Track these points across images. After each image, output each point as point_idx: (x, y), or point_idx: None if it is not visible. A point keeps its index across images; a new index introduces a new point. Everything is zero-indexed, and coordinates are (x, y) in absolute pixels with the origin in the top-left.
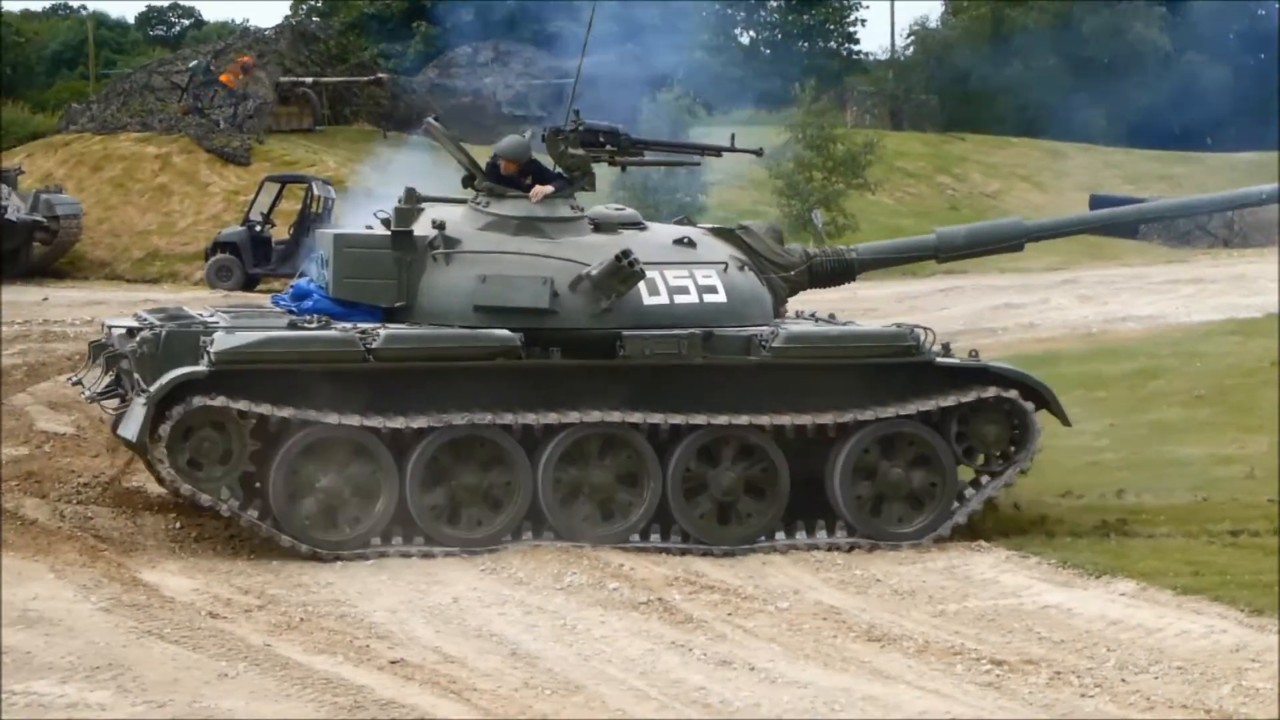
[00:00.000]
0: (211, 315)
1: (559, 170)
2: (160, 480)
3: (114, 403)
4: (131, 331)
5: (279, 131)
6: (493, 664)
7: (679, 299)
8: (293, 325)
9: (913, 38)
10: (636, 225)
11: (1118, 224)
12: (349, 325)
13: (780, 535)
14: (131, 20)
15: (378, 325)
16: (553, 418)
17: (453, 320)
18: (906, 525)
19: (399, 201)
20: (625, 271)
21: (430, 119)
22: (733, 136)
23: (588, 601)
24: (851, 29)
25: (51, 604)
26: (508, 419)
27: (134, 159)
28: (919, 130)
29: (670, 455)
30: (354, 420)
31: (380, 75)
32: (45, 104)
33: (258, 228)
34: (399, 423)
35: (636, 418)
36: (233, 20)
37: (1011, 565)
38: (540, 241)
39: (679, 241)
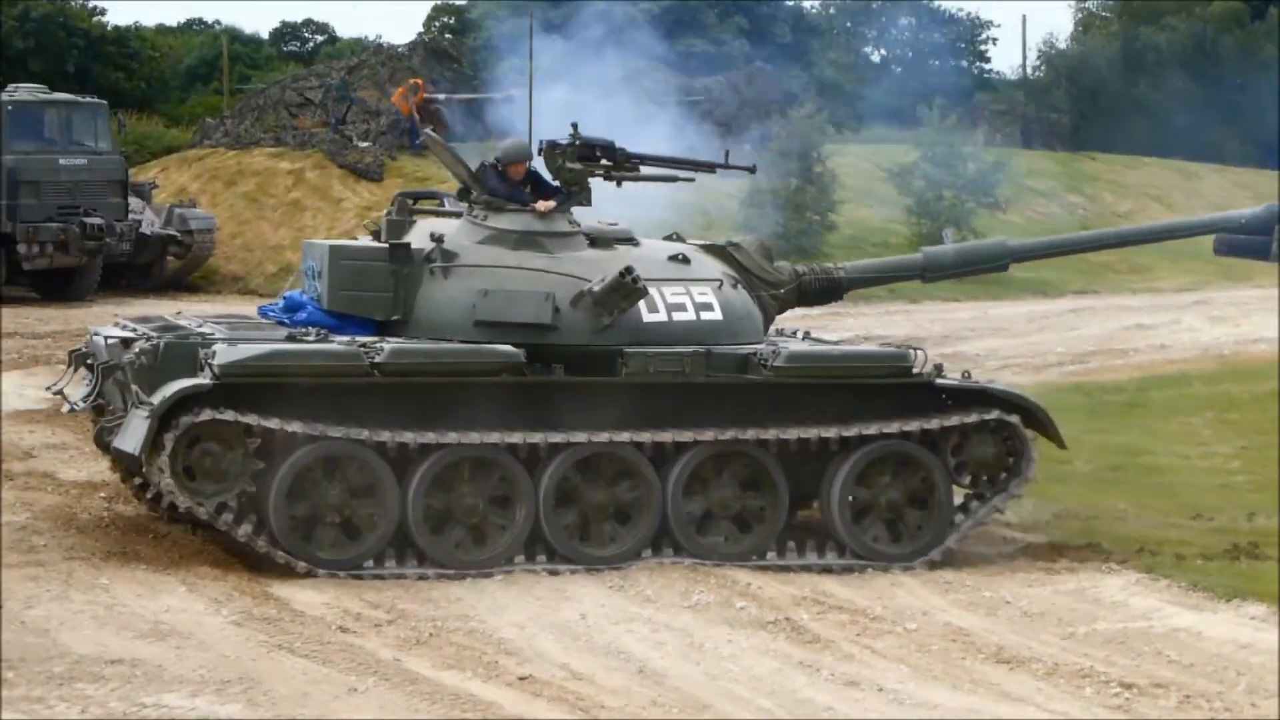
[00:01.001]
0: (202, 325)
1: (557, 184)
2: (139, 496)
3: (98, 412)
4: (126, 342)
5: (411, 148)
6: (620, 681)
7: (677, 316)
8: (291, 338)
9: (1043, 57)
10: (630, 240)
11: (1105, 245)
12: (347, 339)
13: (772, 555)
14: (265, 36)
15: (380, 339)
16: (557, 437)
17: (451, 334)
18: (900, 546)
19: (389, 212)
20: (628, 288)
21: (427, 130)
22: (727, 153)
23: (715, 620)
24: (982, 47)
25: (183, 617)
26: (514, 438)
27: (267, 174)
28: (1050, 149)
29: (668, 473)
30: (361, 435)
31: (511, 92)
32: (179, 118)
33: None
34: (404, 438)
35: (643, 436)
36: (366, 37)
37: (1141, 588)
38: (540, 256)
39: (673, 258)
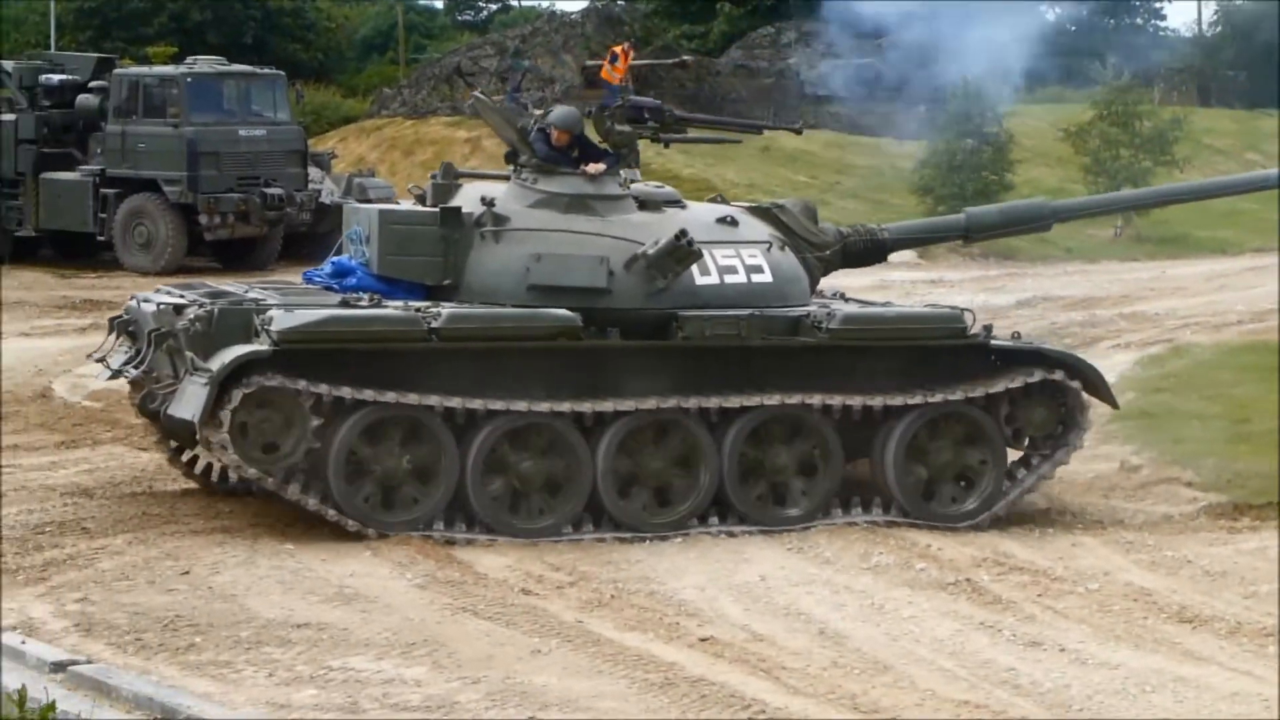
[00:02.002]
0: (249, 291)
1: (605, 147)
2: (180, 465)
3: (135, 381)
4: (177, 308)
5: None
6: (801, 642)
7: (729, 279)
8: (345, 303)
9: (1219, 13)
10: (677, 203)
11: (1144, 205)
12: (400, 304)
13: (838, 512)
14: (440, 5)
15: (435, 304)
16: (611, 404)
17: (503, 299)
18: (958, 506)
19: (436, 176)
20: (683, 251)
21: (476, 93)
22: (773, 113)
23: (895, 581)
24: (1158, 5)
25: (368, 581)
26: (569, 406)
27: (444, 143)
28: (1227, 107)
29: (725, 438)
30: (419, 399)
31: (685, 58)
32: (356, 89)
33: None
34: (461, 404)
35: (694, 402)
36: (539, 4)
37: None
38: (591, 220)
39: (722, 220)
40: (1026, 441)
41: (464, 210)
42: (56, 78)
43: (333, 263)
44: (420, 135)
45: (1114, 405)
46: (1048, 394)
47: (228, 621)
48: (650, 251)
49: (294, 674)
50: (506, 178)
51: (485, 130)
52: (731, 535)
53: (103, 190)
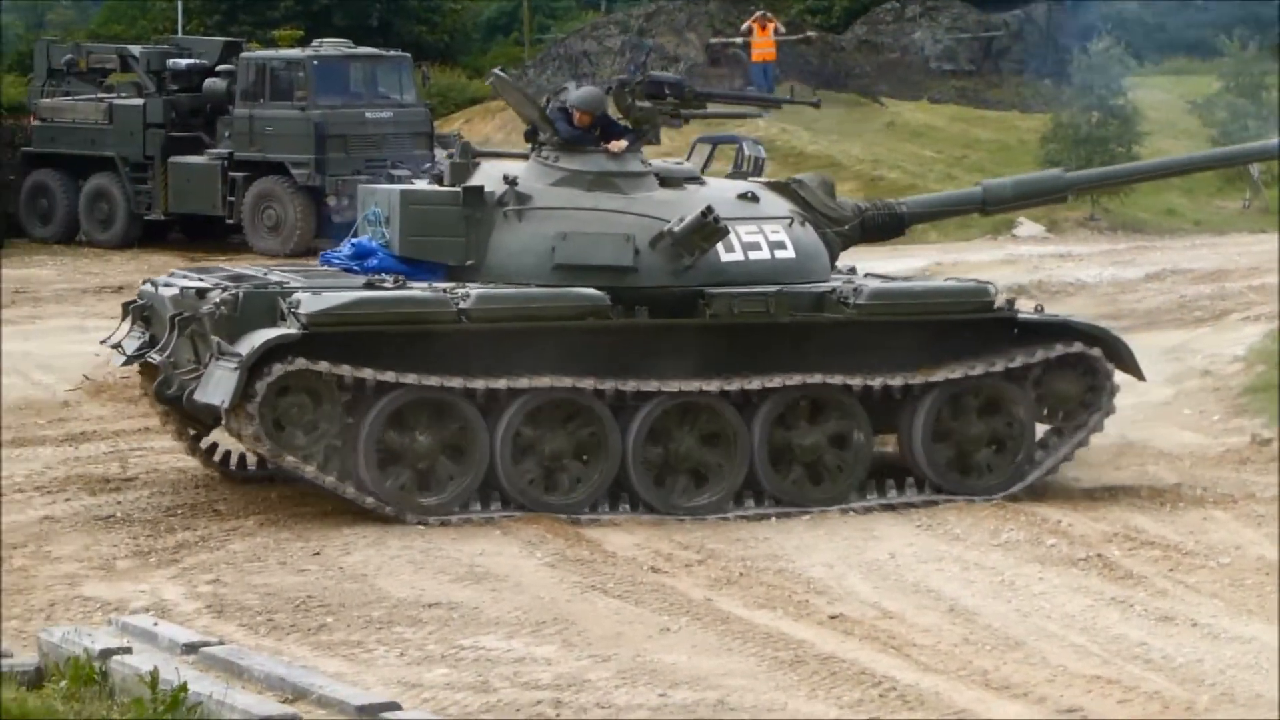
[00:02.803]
0: (267, 273)
1: (625, 124)
2: (197, 452)
3: (145, 367)
4: (200, 292)
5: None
6: (931, 620)
7: (753, 255)
8: (370, 285)
9: None
10: (697, 180)
11: (1163, 173)
12: (424, 285)
13: (872, 496)
14: None
15: (460, 285)
16: (648, 383)
17: (527, 279)
18: (987, 479)
19: (452, 155)
20: (710, 228)
21: (496, 70)
22: (791, 89)
23: (1025, 558)
24: None
25: (497, 560)
26: (604, 383)
27: None
28: None
29: (754, 417)
30: (451, 382)
31: (809, 34)
32: (481, 70)
33: None
34: (496, 384)
35: (718, 384)
36: None
37: None
38: (615, 197)
39: (743, 196)
40: (1055, 415)
41: (486, 189)
42: (184, 62)
43: (353, 244)
44: None
45: (1140, 377)
46: (1075, 367)
47: (359, 601)
48: (676, 229)
49: (425, 653)
50: (525, 156)
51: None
52: (765, 518)
53: (231, 174)
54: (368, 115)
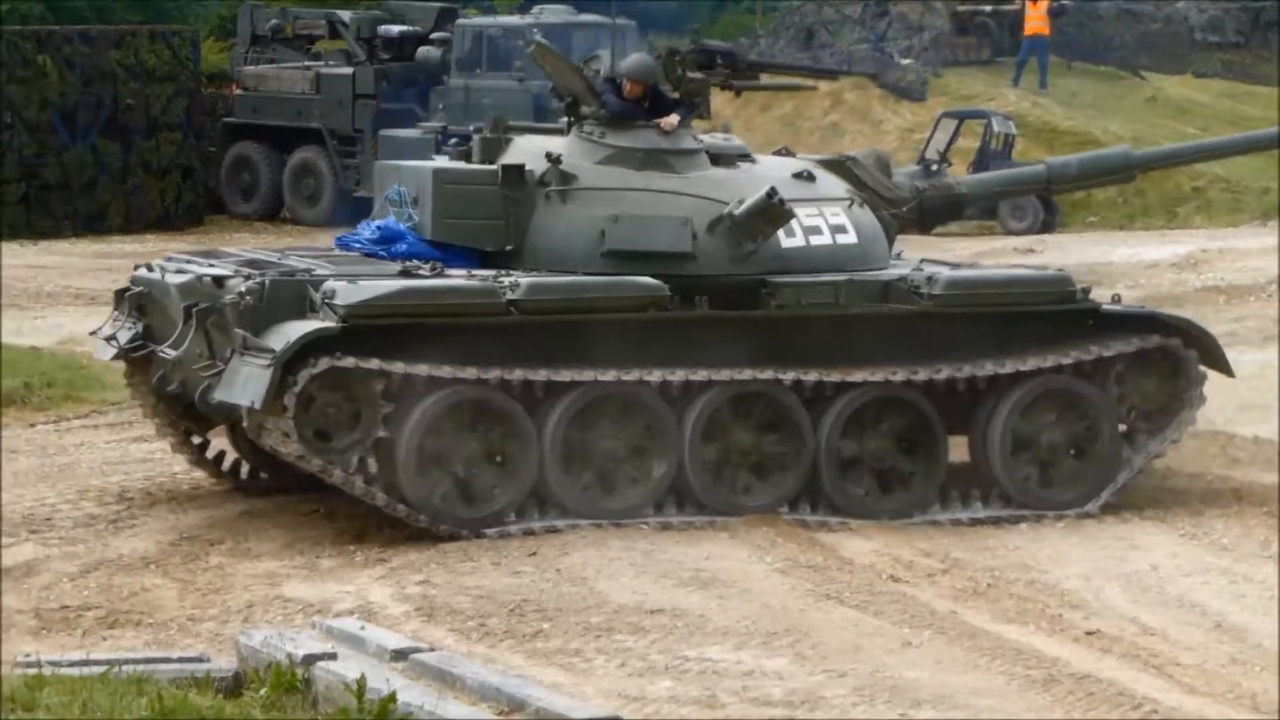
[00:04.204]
0: (284, 258)
1: (675, 96)
2: (196, 457)
3: (133, 359)
4: (218, 280)
5: (956, 64)
6: (1196, 637)
7: (814, 240)
8: (406, 273)
9: None
10: (748, 157)
11: (1229, 151)
12: (463, 272)
13: (936, 508)
14: None
15: (507, 272)
16: (703, 374)
17: (574, 266)
18: (1068, 491)
19: (484, 130)
20: (775, 210)
21: (538, 37)
22: (849, 59)
23: None
24: None
25: (724, 564)
26: (658, 375)
27: (803, 97)
28: None
29: (824, 417)
30: (498, 376)
31: (1064, 2)
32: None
33: (934, 167)
34: (545, 377)
35: (791, 375)
36: None
37: None
38: (669, 177)
39: (798, 176)
40: (1132, 414)
41: (527, 168)
42: (396, 29)
43: (379, 227)
44: None
45: (1229, 374)
46: (1160, 363)
47: (577, 606)
48: (736, 212)
49: (647, 664)
50: (560, 131)
51: (848, 83)
52: (826, 525)
53: (445, 148)
54: None
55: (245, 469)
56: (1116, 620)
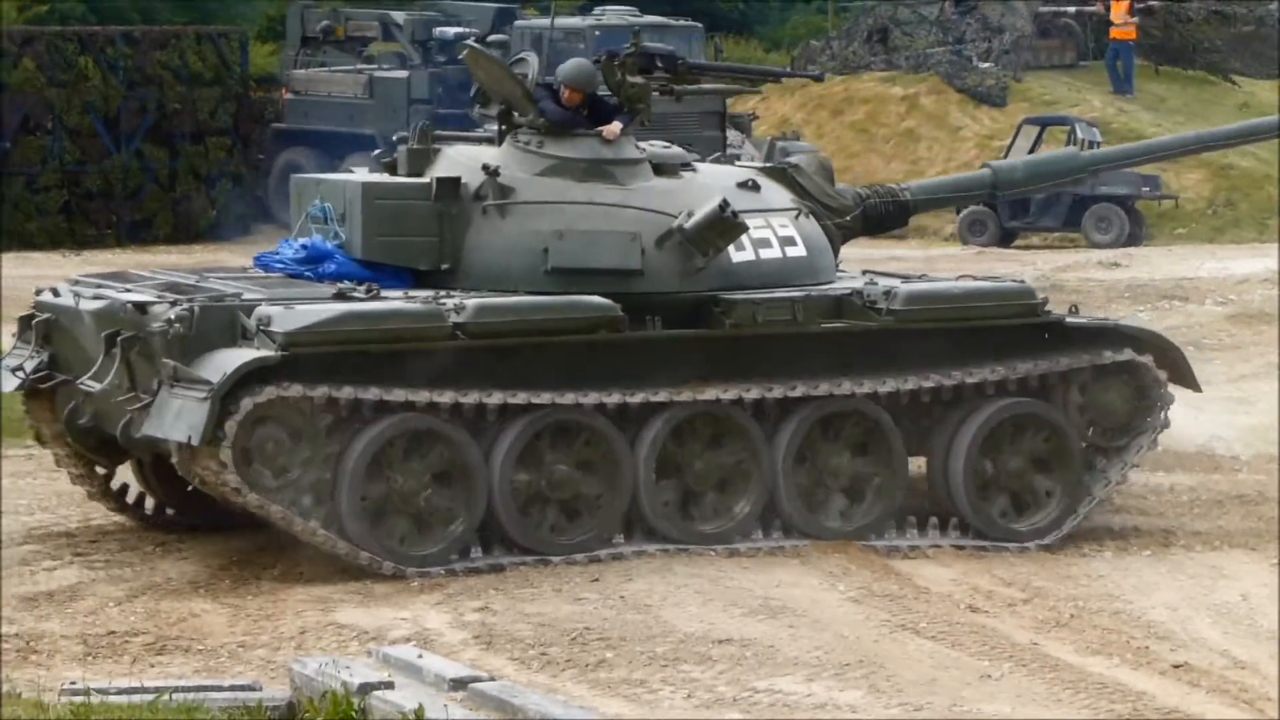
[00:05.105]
0: (200, 281)
1: (615, 102)
2: (100, 491)
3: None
4: (140, 306)
5: (1038, 68)
6: None
7: (763, 253)
8: (342, 295)
9: None
10: (688, 165)
11: (1179, 151)
12: (400, 294)
13: (892, 534)
14: None
15: (447, 293)
16: (663, 395)
17: (515, 285)
18: (1029, 519)
19: (409, 139)
20: (728, 223)
21: (470, 41)
22: (792, 59)
23: None
24: None
25: (795, 593)
26: (608, 398)
27: (877, 101)
28: None
29: (779, 436)
30: (467, 399)
31: (1151, 3)
32: (779, 42)
33: None
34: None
35: (753, 393)
36: None
37: None
38: (612, 189)
39: (743, 185)
40: (1092, 432)
41: (462, 181)
42: (452, 30)
43: (304, 245)
44: (851, 93)
45: (1196, 388)
46: (1122, 377)
47: (642, 635)
48: (687, 225)
49: (715, 695)
50: (490, 140)
51: (924, 87)
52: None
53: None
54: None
55: (150, 503)
56: (1205, 653)
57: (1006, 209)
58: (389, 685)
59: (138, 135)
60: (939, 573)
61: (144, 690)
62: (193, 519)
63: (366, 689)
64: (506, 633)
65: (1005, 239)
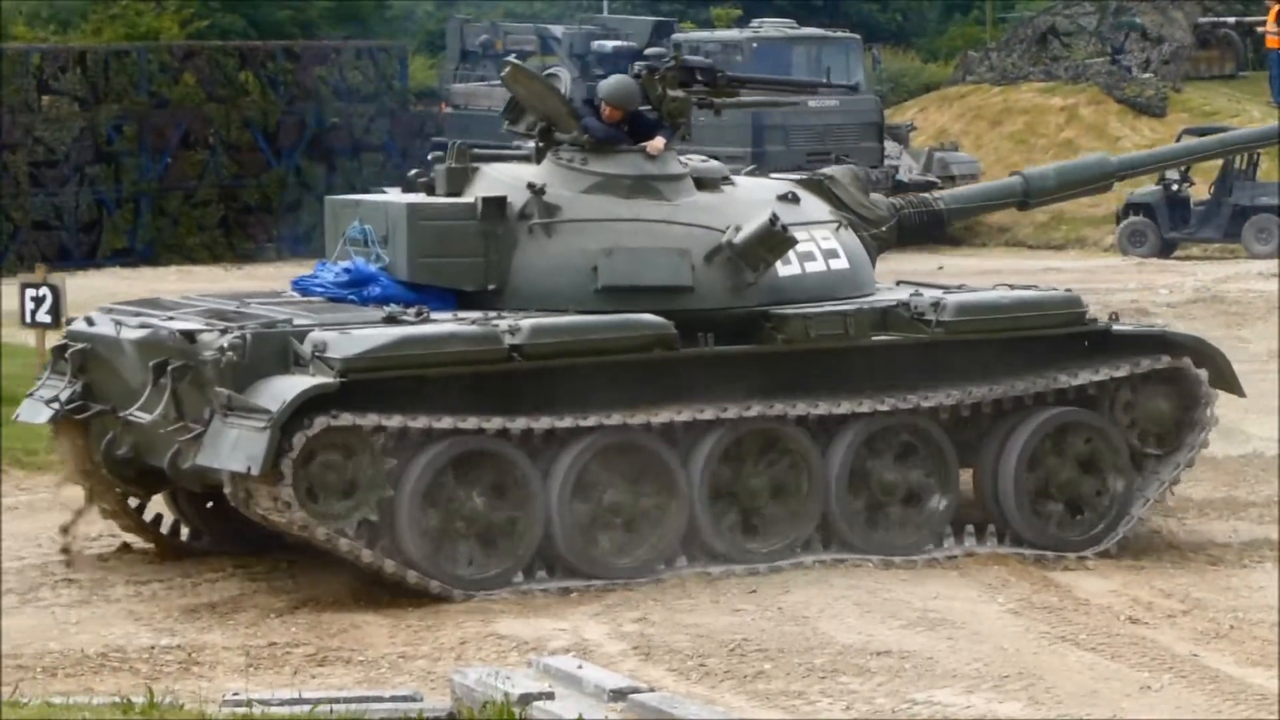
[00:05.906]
0: (242, 307)
1: (655, 116)
2: (128, 520)
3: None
4: (188, 334)
5: (1198, 78)
6: None
7: (809, 266)
8: (392, 319)
9: None
10: (728, 179)
11: (1204, 154)
12: (449, 315)
13: (949, 542)
14: None
15: (499, 314)
16: (710, 414)
17: (564, 304)
18: (1082, 527)
19: (447, 159)
20: (778, 238)
21: (511, 58)
22: (828, 71)
23: None
24: None
25: (954, 604)
26: (660, 417)
27: (1036, 111)
28: None
29: (832, 452)
30: (515, 425)
31: None
32: (938, 53)
33: (1174, 187)
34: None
35: (800, 409)
36: None
37: None
38: (659, 205)
39: (784, 198)
40: (1140, 436)
41: (508, 200)
42: (610, 44)
43: (347, 269)
44: (1010, 103)
45: (1240, 394)
46: (1168, 384)
47: (799, 647)
48: (736, 240)
49: (873, 707)
50: (526, 157)
51: (1084, 97)
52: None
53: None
54: (811, 104)
55: (185, 531)
56: None
57: (1167, 219)
58: (549, 696)
59: (297, 150)
60: (1098, 584)
61: (305, 701)
62: (228, 545)
63: (527, 699)
64: (665, 644)
65: (1165, 250)
